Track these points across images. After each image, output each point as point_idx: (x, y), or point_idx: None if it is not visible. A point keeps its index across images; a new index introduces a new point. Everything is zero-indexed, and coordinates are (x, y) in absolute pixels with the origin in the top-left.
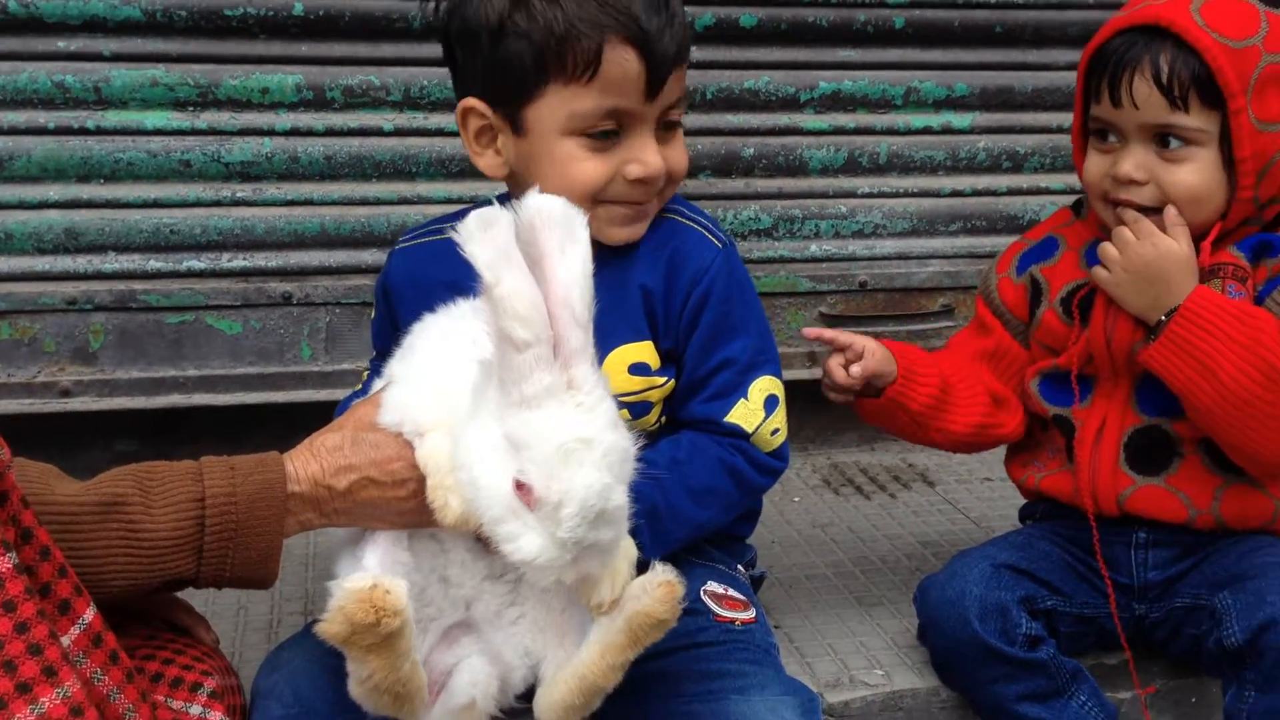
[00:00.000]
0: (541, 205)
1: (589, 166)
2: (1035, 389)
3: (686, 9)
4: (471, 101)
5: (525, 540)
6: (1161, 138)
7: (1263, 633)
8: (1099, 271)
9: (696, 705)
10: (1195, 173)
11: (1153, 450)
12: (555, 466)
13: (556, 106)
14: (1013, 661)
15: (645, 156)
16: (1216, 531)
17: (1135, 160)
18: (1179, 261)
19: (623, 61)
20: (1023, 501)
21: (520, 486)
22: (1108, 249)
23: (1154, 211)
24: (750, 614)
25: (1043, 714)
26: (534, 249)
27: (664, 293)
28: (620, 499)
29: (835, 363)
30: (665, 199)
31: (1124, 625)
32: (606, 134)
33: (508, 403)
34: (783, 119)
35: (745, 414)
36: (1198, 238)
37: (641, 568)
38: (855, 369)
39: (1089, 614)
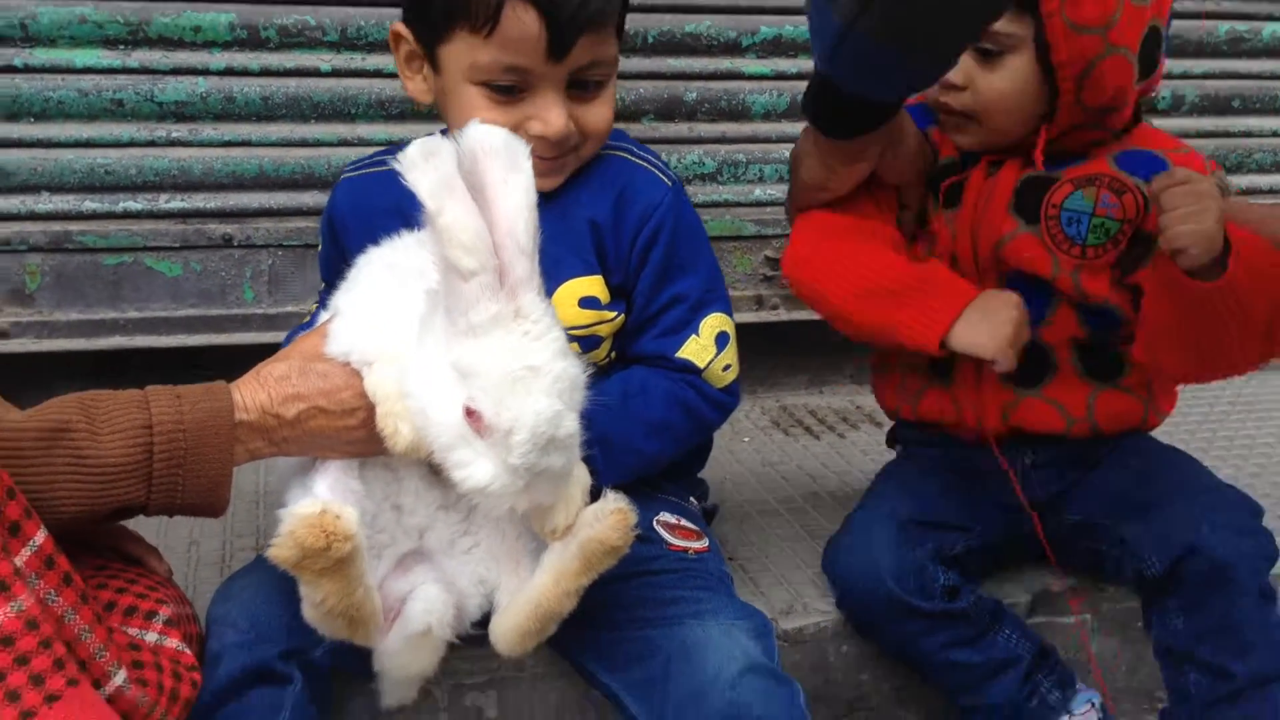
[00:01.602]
0: (483, 135)
1: (489, 118)
2: None
3: None
4: (401, 26)
5: (477, 467)
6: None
7: (1181, 562)
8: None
9: (650, 630)
10: (1007, 79)
11: (1028, 362)
12: (504, 394)
13: (462, 53)
14: (934, 615)
15: (547, 115)
16: (1091, 439)
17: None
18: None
19: (520, 21)
20: None
21: (470, 414)
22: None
23: (965, 119)
24: (703, 543)
25: (972, 656)
26: (476, 178)
27: (613, 227)
28: (571, 425)
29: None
30: (584, 155)
31: (1023, 542)
32: (508, 89)
33: (455, 331)
34: (725, 63)
35: (697, 350)
36: (1028, 146)
37: (593, 498)
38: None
39: (996, 540)
